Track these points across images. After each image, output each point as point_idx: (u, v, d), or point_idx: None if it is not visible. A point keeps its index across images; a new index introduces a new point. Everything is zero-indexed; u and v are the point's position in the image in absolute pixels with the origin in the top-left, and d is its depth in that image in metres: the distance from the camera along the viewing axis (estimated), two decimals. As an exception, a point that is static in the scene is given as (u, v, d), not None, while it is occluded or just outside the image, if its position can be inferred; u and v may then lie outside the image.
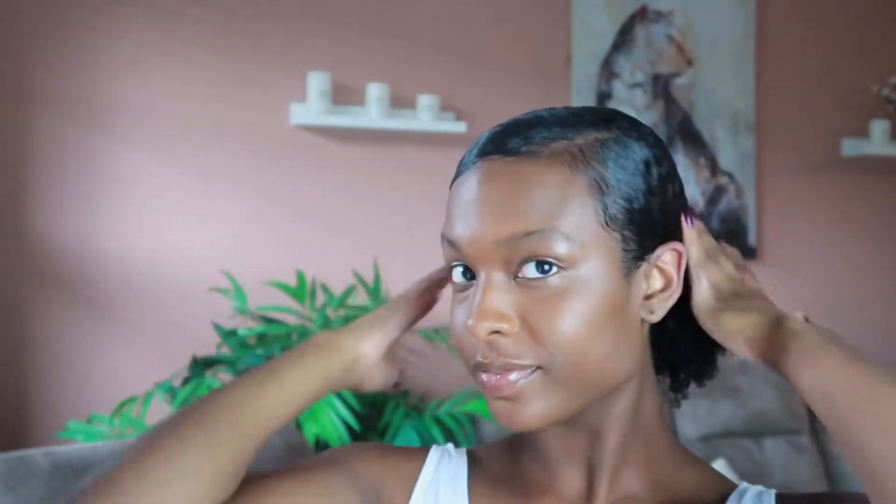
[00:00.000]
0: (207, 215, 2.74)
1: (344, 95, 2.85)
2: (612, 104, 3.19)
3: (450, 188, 0.72)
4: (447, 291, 0.77)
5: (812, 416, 3.20)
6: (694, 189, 3.30)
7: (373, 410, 2.54)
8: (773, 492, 0.75)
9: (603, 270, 0.66)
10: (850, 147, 3.48)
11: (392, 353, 0.79)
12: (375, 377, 0.77)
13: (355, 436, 2.40)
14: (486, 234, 0.66)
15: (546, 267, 0.65)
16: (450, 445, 0.81)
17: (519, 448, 0.78)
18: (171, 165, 2.71)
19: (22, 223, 2.58)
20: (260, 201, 2.80)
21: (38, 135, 2.59)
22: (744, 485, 0.77)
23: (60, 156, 2.61)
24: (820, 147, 3.50)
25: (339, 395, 2.31)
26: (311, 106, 2.76)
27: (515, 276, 0.66)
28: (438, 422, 2.48)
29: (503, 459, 0.78)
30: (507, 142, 0.68)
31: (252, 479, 0.70)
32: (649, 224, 0.68)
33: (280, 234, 2.81)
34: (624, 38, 3.21)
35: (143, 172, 2.68)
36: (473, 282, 0.68)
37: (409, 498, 0.76)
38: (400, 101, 2.90)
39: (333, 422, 2.25)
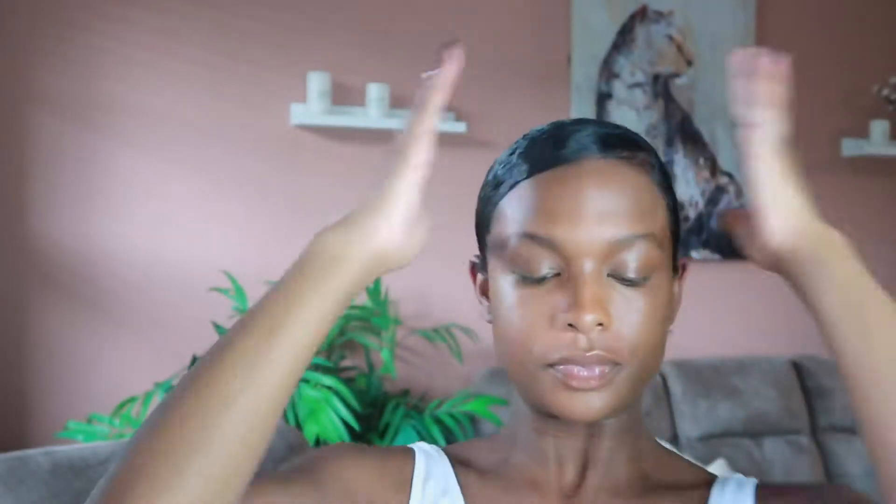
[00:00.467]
0: (207, 215, 2.74)
1: (344, 95, 2.85)
2: (612, 104, 3.19)
3: (498, 195, 0.73)
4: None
5: (812, 416, 3.21)
6: (694, 189, 3.30)
7: (373, 410, 2.54)
8: (753, 480, 0.76)
9: (667, 280, 0.72)
10: (850, 147, 3.48)
11: (415, 214, 0.69)
12: (412, 252, 0.70)
13: (355, 436, 2.40)
14: (598, 232, 0.67)
15: (644, 270, 0.68)
16: (424, 444, 0.80)
17: (508, 444, 0.78)
18: (170, 165, 2.71)
19: (22, 223, 2.58)
20: (260, 201, 2.80)
21: (37, 135, 2.59)
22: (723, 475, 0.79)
23: (60, 156, 2.61)
24: (820, 147, 3.50)
25: (339, 395, 2.31)
26: (311, 106, 2.76)
27: (608, 274, 0.68)
28: (438, 422, 2.49)
29: (490, 456, 0.78)
30: (608, 143, 0.70)
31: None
32: (678, 240, 0.75)
33: (280, 234, 2.81)
34: (624, 38, 3.21)
35: (143, 172, 2.68)
36: (553, 278, 0.68)
37: (408, 498, 0.75)
38: (400, 101, 2.90)
39: (333, 422, 2.25)
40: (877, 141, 3.41)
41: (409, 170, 0.71)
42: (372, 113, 2.80)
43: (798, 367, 3.25)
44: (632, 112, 3.21)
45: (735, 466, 2.91)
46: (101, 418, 2.33)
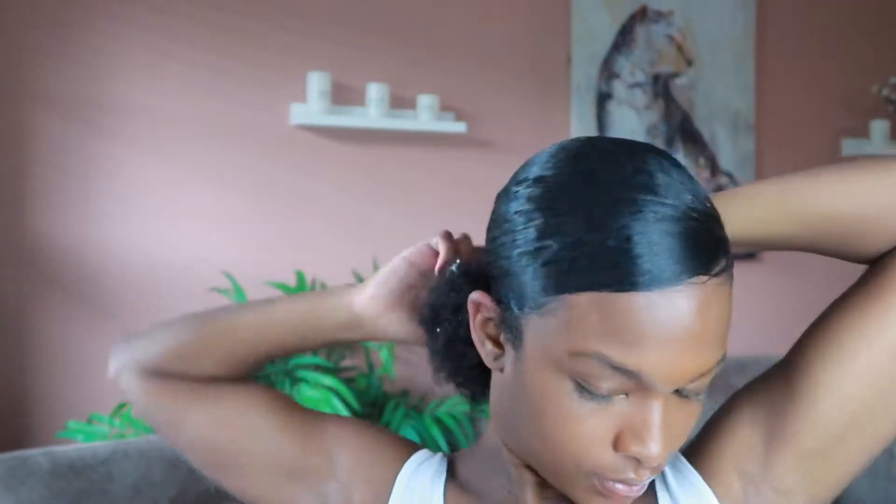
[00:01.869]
0: (207, 215, 2.74)
1: (344, 95, 2.85)
2: (612, 104, 3.19)
3: (573, 287, 0.60)
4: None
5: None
6: (694, 189, 3.30)
7: (373, 410, 2.54)
8: (676, 453, 0.72)
9: None
10: (850, 147, 3.48)
11: (403, 305, 0.79)
12: (388, 328, 0.79)
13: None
14: (690, 365, 0.59)
15: (708, 387, 0.63)
16: (428, 452, 0.81)
17: (494, 466, 0.75)
18: (171, 165, 2.71)
19: (22, 223, 2.58)
20: (260, 201, 2.80)
21: (38, 135, 2.59)
22: None
23: (60, 156, 2.61)
24: (820, 147, 3.50)
25: (339, 395, 2.30)
26: (311, 106, 2.76)
27: (674, 390, 0.62)
28: (438, 422, 2.48)
29: (477, 470, 0.77)
30: (714, 259, 0.60)
31: (271, 395, 0.83)
32: None
33: (280, 234, 2.81)
34: (624, 38, 3.21)
35: (144, 172, 2.68)
36: (617, 397, 0.61)
37: (388, 496, 0.77)
38: (400, 101, 2.90)
39: (333, 422, 2.25)
40: (877, 141, 3.41)
41: (397, 259, 0.79)
42: (372, 113, 2.80)
43: (798, 367, 3.25)
44: (632, 112, 3.21)
45: (735, 466, 2.91)
46: (101, 418, 2.33)
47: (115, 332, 2.65)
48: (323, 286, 2.67)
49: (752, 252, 3.36)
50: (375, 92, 2.79)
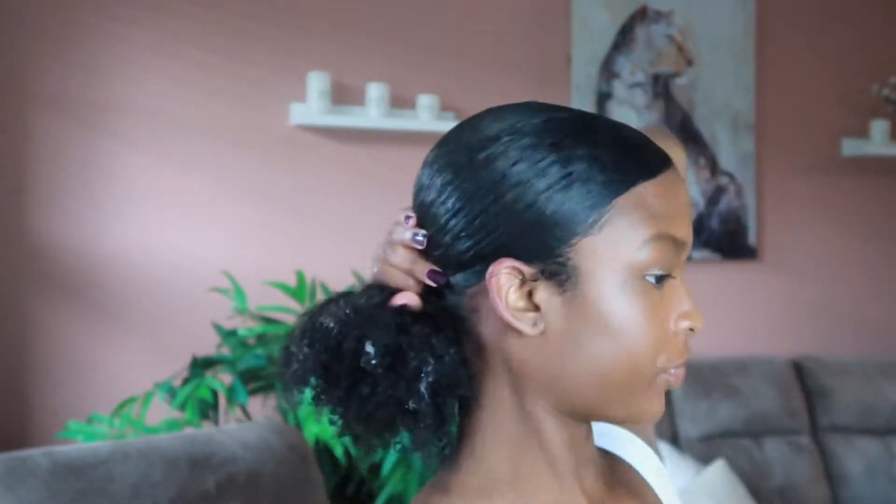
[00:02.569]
0: (207, 215, 2.74)
1: (344, 95, 2.85)
2: (613, 104, 3.19)
3: (617, 190, 0.65)
4: None
5: (812, 416, 3.21)
6: (694, 189, 3.30)
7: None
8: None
9: None
10: (850, 147, 3.48)
11: None
12: None
13: (355, 436, 2.39)
14: (691, 233, 0.69)
15: None
16: None
17: (521, 483, 0.70)
18: (171, 165, 2.71)
19: (22, 223, 2.58)
20: (260, 201, 2.80)
21: (38, 135, 2.59)
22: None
23: (61, 156, 2.61)
24: (820, 147, 3.50)
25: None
26: (311, 106, 2.76)
27: None
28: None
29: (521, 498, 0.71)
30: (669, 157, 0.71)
31: None
32: None
33: (280, 234, 2.81)
34: (624, 38, 3.21)
35: (143, 172, 2.68)
36: (663, 284, 0.67)
37: None
38: (400, 101, 2.90)
39: (333, 422, 2.25)
40: (877, 141, 3.41)
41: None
42: (372, 113, 2.80)
43: (798, 367, 3.25)
44: (632, 112, 3.21)
45: (735, 467, 2.91)
46: (101, 418, 2.33)
47: (115, 333, 2.65)
48: (323, 286, 2.67)
49: (749, 252, 3.37)
50: (375, 92, 2.79)
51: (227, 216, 2.76)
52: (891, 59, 3.56)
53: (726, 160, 3.34)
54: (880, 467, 3.14)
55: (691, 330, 0.68)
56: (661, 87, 3.26)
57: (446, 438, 0.69)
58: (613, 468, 0.78)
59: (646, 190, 0.65)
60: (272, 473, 1.74)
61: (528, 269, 0.65)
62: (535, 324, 0.66)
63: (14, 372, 2.56)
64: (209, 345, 2.57)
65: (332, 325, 0.66)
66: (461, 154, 0.69)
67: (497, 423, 0.69)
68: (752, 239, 3.37)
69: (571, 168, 0.65)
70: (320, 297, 2.68)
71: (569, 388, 0.67)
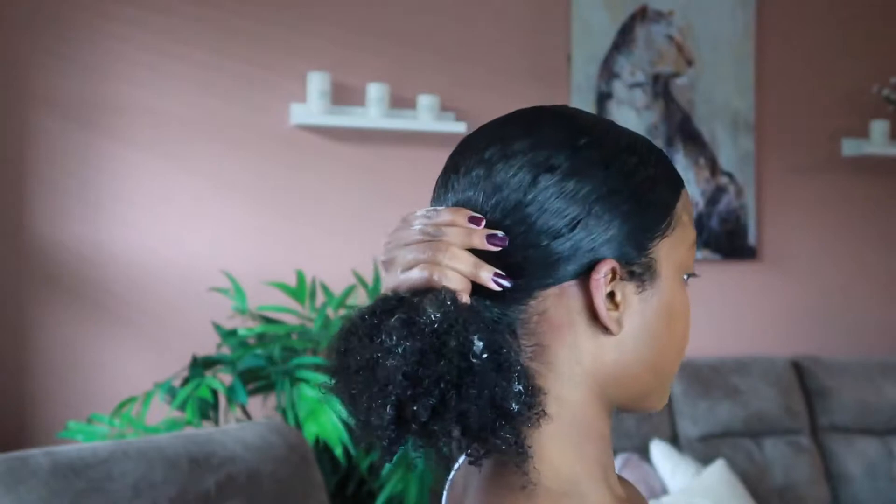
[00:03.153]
0: (207, 215, 2.74)
1: (344, 95, 2.85)
2: (612, 104, 3.19)
3: (678, 195, 0.73)
4: None
5: (812, 417, 3.21)
6: (694, 189, 3.30)
7: (373, 410, 2.53)
8: None
9: None
10: (850, 147, 3.49)
11: None
12: None
13: (355, 436, 2.39)
14: None
15: None
16: None
17: (581, 489, 0.68)
18: (171, 165, 2.72)
19: (22, 223, 2.58)
20: (260, 201, 2.80)
21: (38, 135, 2.59)
22: None
23: (61, 156, 2.61)
24: (820, 147, 3.50)
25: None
26: (311, 106, 2.76)
27: None
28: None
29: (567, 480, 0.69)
30: None
31: None
32: None
33: (280, 234, 2.81)
34: (624, 38, 3.21)
35: (143, 172, 2.68)
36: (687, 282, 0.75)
37: None
38: (400, 101, 2.90)
39: (333, 422, 2.25)
40: (877, 141, 3.41)
41: None
42: (372, 113, 2.80)
43: (798, 367, 3.25)
44: (632, 112, 3.21)
45: (735, 466, 2.91)
46: (101, 418, 2.33)
47: (115, 333, 2.66)
48: (323, 286, 2.67)
49: (749, 252, 3.37)
50: (375, 92, 2.79)
51: (227, 216, 2.76)
52: (891, 59, 3.56)
53: (726, 160, 3.34)
54: (880, 467, 3.14)
55: None
56: (661, 87, 3.26)
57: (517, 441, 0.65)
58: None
59: (685, 195, 0.73)
60: (272, 473, 1.74)
61: (621, 270, 0.68)
62: (618, 322, 0.68)
63: (14, 372, 2.56)
64: (209, 345, 2.57)
65: (435, 317, 0.63)
66: (560, 155, 0.68)
67: (562, 423, 0.68)
68: (751, 239, 3.37)
69: (639, 177, 0.69)
70: (320, 296, 2.68)
71: (633, 380, 0.71)
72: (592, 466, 0.69)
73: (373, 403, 0.63)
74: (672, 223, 0.70)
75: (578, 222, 0.67)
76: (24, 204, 2.59)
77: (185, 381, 2.36)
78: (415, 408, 0.62)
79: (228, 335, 2.50)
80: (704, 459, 2.90)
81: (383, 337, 0.63)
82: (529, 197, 0.67)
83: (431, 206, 0.76)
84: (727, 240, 3.34)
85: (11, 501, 1.46)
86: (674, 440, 3.00)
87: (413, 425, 0.63)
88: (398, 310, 0.64)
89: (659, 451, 2.85)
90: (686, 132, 3.30)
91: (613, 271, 0.67)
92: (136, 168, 2.68)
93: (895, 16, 3.62)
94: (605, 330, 0.68)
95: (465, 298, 0.65)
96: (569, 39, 3.15)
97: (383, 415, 0.63)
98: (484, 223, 0.67)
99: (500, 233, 0.67)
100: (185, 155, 2.72)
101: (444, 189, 0.75)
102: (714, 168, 3.33)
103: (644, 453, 2.87)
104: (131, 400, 2.31)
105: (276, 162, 2.81)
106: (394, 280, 0.69)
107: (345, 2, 2.89)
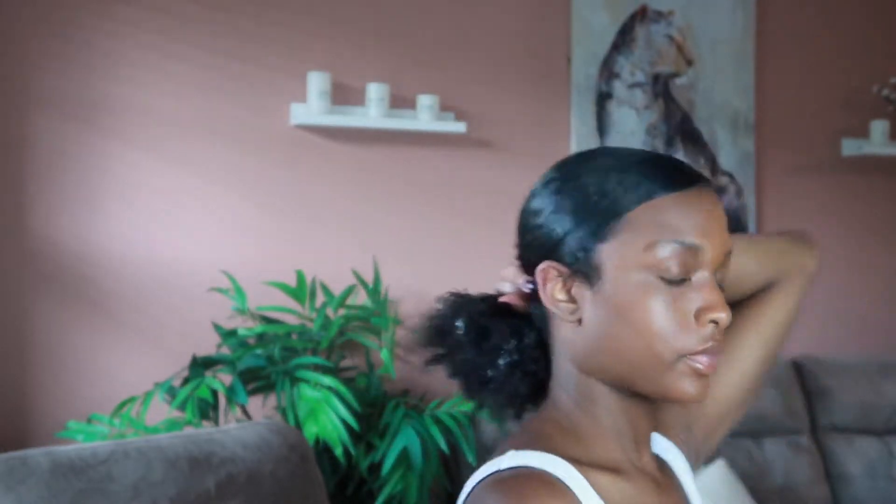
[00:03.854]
0: (207, 215, 2.74)
1: (344, 95, 2.85)
2: (612, 104, 3.19)
3: (633, 204, 0.81)
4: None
5: (812, 416, 3.21)
6: (694, 189, 3.30)
7: (372, 410, 2.54)
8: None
9: None
10: (850, 147, 3.48)
11: None
12: None
13: (355, 436, 2.40)
14: (725, 245, 0.83)
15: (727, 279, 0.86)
16: (545, 462, 0.82)
17: (587, 434, 0.86)
18: (170, 165, 2.71)
19: (22, 223, 2.58)
20: (260, 201, 2.80)
21: (38, 135, 2.59)
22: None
23: (60, 156, 2.61)
24: (820, 147, 3.50)
25: (339, 395, 2.31)
26: (311, 106, 2.76)
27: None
28: (438, 422, 2.49)
29: (588, 449, 0.85)
30: (701, 175, 0.85)
31: None
32: None
33: (280, 234, 2.81)
34: (624, 38, 3.21)
35: (143, 172, 2.68)
36: (685, 282, 0.81)
37: None
38: (400, 101, 2.90)
39: (333, 422, 2.25)
40: (877, 141, 3.41)
41: None
42: (372, 113, 2.80)
43: (798, 367, 3.25)
44: (632, 112, 3.22)
45: (735, 466, 2.91)
46: (101, 418, 2.33)
47: (115, 333, 2.66)
48: (323, 286, 2.67)
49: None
50: (375, 92, 2.79)
51: (227, 216, 2.76)
52: (891, 59, 3.56)
53: (726, 160, 3.34)
54: (880, 467, 3.14)
55: (715, 322, 0.80)
56: (660, 87, 3.26)
57: (520, 405, 0.90)
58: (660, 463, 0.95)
59: (663, 202, 0.81)
60: (272, 473, 1.74)
61: (563, 270, 0.83)
62: (572, 313, 0.84)
63: (14, 372, 2.56)
64: (209, 345, 2.58)
65: (442, 306, 0.90)
66: (553, 172, 0.88)
67: (565, 389, 0.87)
68: (752, 239, 3.37)
69: (590, 189, 0.83)
70: (320, 296, 2.68)
71: (604, 364, 0.84)
72: (605, 430, 0.86)
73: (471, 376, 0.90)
74: (618, 229, 0.81)
75: (538, 233, 0.85)
76: (24, 204, 2.59)
77: (185, 382, 2.36)
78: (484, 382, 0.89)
79: (228, 335, 2.50)
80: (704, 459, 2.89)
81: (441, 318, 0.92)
82: (523, 212, 0.89)
83: None
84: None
85: (11, 501, 1.46)
86: (674, 440, 2.99)
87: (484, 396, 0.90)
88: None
89: (659, 451, 2.85)
90: (686, 132, 3.30)
91: (555, 270, 0.84)
92: (136, 168, 2.68)
93: (895, 16, 3.62)
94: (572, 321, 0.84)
95: (507, 299, 0.91)
96: (569, 39, 3.15)
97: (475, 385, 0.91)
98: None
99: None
100: (185, 155, 2.72)
101: None
102: (714, 168, 3.33)
103: (644, 453, 2.87)
104: (131, 400, 2.31)
105: (276, 162, 2.81)
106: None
107: (345, 2, 2.89)
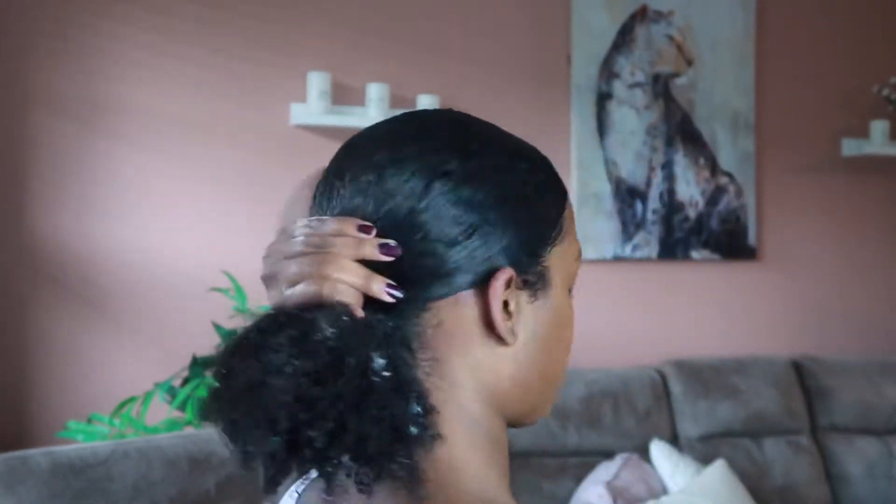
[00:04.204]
0: (207, 215, 2.74)
1: (344, 95, 2.85)
2: (612, 104, 3.19)
3: (565, 203, 0.71)
4: None
5: (812, 417, 3.21)
6: (694, 189, 3.30)
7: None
8: None
9: None
10: (850, 147, 3.48)
11: None
12: None
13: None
14: None
15: None
16: None
17: (491, 491, 0.66)
18: (171, 165, 2.71)
19: (22, 223, 2.58)
20: (260, 201, 2.80)
21: (38, 135, 2.59)
22: None
23: (60, 156, 2.61)
24: (820, 147, 3.50)
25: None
26: (311, 106, 2.76)
27: None
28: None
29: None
30: None
31: None
32: None
33: (280, 234, 2.81)
34: (624, 38, 3.21)
35: (143, 172, 2.68)
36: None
37: None
38: (400, 101, 2.90)
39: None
40: (877, 141, 3.41)
41: None
42: (372, 113, 2.80)
43: (798, 367, 3.25)
44: (632, 112, 3.21)
45: (735, 467, 2.91)
46: (101, 418, 2.33)
47: (115, 332, 2.65)
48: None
49: (749, 252, 3.36)
50: (375, 92, 2.79)
51: (227, 216, 2.76)
52: (891, 59, 3.56)
53: (726, 160, 3.34)
54: (880, 467, 3.14)
55: None
56: (660, 87, 3.26)
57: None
58: None
59: (570, 205, 0.71)
60: (272, 473, 1.74)
61: (516, 279, 0.65)
62: (512, 332, 0.65)
63: (14, 372, 2.56)
64: (209, 345, 2.57)
65: (330, 333, 0.59)
66: (452, 160, 0.65)
67: (471, 432, 0.65)
68: (751, 239, 3.37)
69: (527, 187, 0.67)
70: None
71: (528, 392, 0.68)
72: (502, 478, 0.67)
73: (258, 430, 0.58)
74: (562, 231, 0.68)
75: (475, 230, 0.64)
76: (24, 204, 2.59)
77: (185, 381, 2.36)
78: (310, 433, 0.57)
79: (228, 335, 2.49)
80: (704, 459, 2.90)
81: (271, 356, 0.58)
82: (423, 204, 0.63)
83: (312, 214, 0.70)
84: (727, 240, 3.34)
85: (11, 501, 1.46)
86: (674, 440, 2.99)
87: (306, 452, 0.58)
88: (287, 327, 0.60)
89: (659, 451, 2.85)
90: (686, 132, 3.29)
91: (509, 280, 0.64)
92: (136, 168, 2.68)
93: (895, 16, 3.62)
94: (500, 340, 0.65)
95: (360, 312, 0.61)
96: (569, 39, 3.15)
97: (271, 442, 0.57)
98: (375, 232, 0.63)
99: (392, 242, 0.63)
100: (185, 155, 2.72)
101: (327, 196, 0.68)
102: (714, 168, 3.33)
103: (644, 453, 2.87)
104: (131, 400, 2.31)
105: (277, 162, 2.81)
106: (278, 296, 0.65)
107: (345, 1, 2.89)
